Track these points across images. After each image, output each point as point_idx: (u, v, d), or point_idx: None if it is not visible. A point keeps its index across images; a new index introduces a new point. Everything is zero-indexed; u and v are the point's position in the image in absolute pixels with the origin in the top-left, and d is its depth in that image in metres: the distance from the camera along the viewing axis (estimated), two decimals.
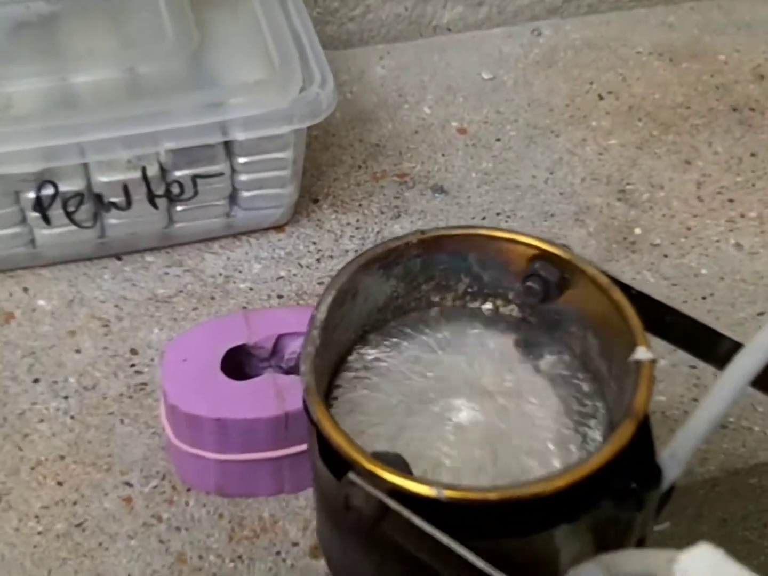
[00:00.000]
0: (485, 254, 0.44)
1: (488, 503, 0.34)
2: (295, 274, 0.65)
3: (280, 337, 0.54)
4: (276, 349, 0.54)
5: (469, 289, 0.46)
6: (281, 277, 0.65)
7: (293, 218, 0.68)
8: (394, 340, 0.45)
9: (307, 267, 0.65)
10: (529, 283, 0.43)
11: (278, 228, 0.67)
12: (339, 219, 0.69)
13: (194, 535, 0.51)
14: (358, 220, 0.69)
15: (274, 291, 0.64)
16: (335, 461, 0.36)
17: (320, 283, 0.64)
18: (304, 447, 0.51)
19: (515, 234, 0.44)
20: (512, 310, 0.46)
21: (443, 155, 0.73)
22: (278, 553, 0.51)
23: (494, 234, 0.44)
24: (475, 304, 0.46)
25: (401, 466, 0.36)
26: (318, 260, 0.66)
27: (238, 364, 0.54)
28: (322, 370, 0.40)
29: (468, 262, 0.45)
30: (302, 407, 0.47)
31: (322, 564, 0.50)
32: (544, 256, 0.43)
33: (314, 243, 0.67)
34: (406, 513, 0.34)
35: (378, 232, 0.68)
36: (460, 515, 0.35)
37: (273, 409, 0.50)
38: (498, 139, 0.75)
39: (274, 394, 0.50)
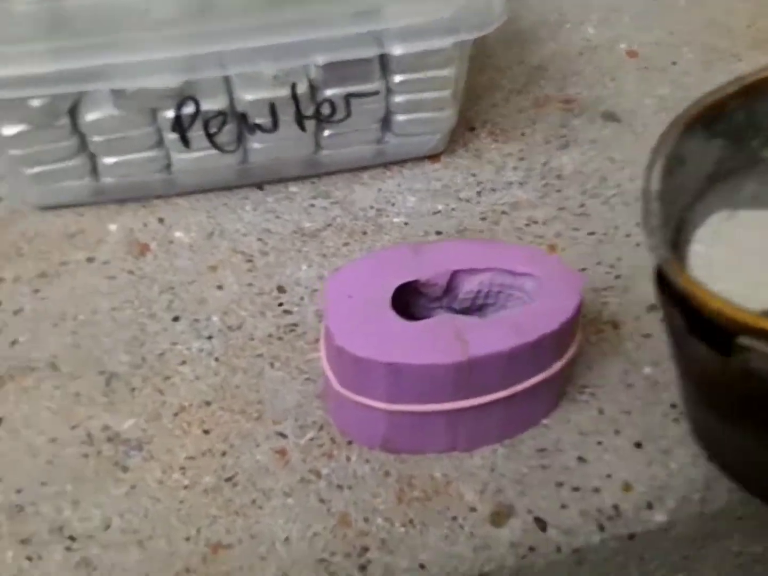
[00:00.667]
0: None
1: None
2: (453, 209, 0.58)
3: (454, 274, 0.47)
4: (449, 288, 0.47)
5: None
6: (438, 212, 0.58)
7: (449, 147, 0.61)
8: (727, 209, 0.40)
9: (467, 201, 0.59)
10: None
11: (433, 158, 0.61)
12: (499, 149, 0.62)
13: (358, 494, 0.45)
14: (521, 150, 0.62)
15: (432, 226, 0.57)
16: (710, 333, 0.33)
17: (483, 219, 0.57)
18: (484, 399, 0.45)
19: None
20: None
21: (612, 79, 0.66)
22: (454, 518, 0.45)
23: None
24: None
25: None
26: (479, 193, 0.59)
27: (403, 304, 0.47)
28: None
29: None
30: (481, 349, 0.41)
31: (504, 533, 0.44)
32: None
33: (473, 175, 0.60)
34: None
35: (545, 163, 0.61)
36: None
37: (454, 354, 0.43)
38: (674, 63, 0.67)
39: (454, 337, 0.44)
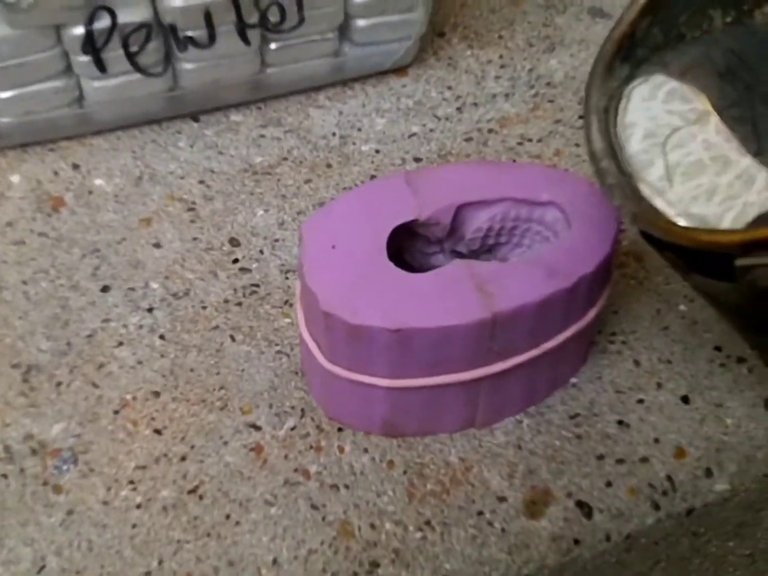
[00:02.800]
0: None
1: None
2: (432, 130, 0.49)
3: (459, 209, 0.37)
4: (453, 226, 0.38)
5: None
6: (414, 134, 0.49)
7: (416, 58, 0.53)
8: None
9: (447, 119, 0.50)
10: None
11: (399, 71, 0.53)
12: (476, 56, 0.53)
13: (359, 494, 0.37)
14: (501, 57, 0.53)
15: (409, 153, 0.48)
16: (709, 265, 0.31)
17: (468, 140, 0.48)
18: (510, 363, 0.36)
19: None
20: None
21: None
22: (480, 513, 0.37)
23: None
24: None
25: None
26: (459, 110, 0.51)
27: (395, 250, 0.37)
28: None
29: None
30: (504, 301, 0.34)
31: (543, 525, 0.36)
32: None
33: (449, 88, 0.52)
34: None
35: (531, 70, 0.53)
36: None
37: (476, 310, 0.34)
38: None
39: (474, 289, 0.34)
